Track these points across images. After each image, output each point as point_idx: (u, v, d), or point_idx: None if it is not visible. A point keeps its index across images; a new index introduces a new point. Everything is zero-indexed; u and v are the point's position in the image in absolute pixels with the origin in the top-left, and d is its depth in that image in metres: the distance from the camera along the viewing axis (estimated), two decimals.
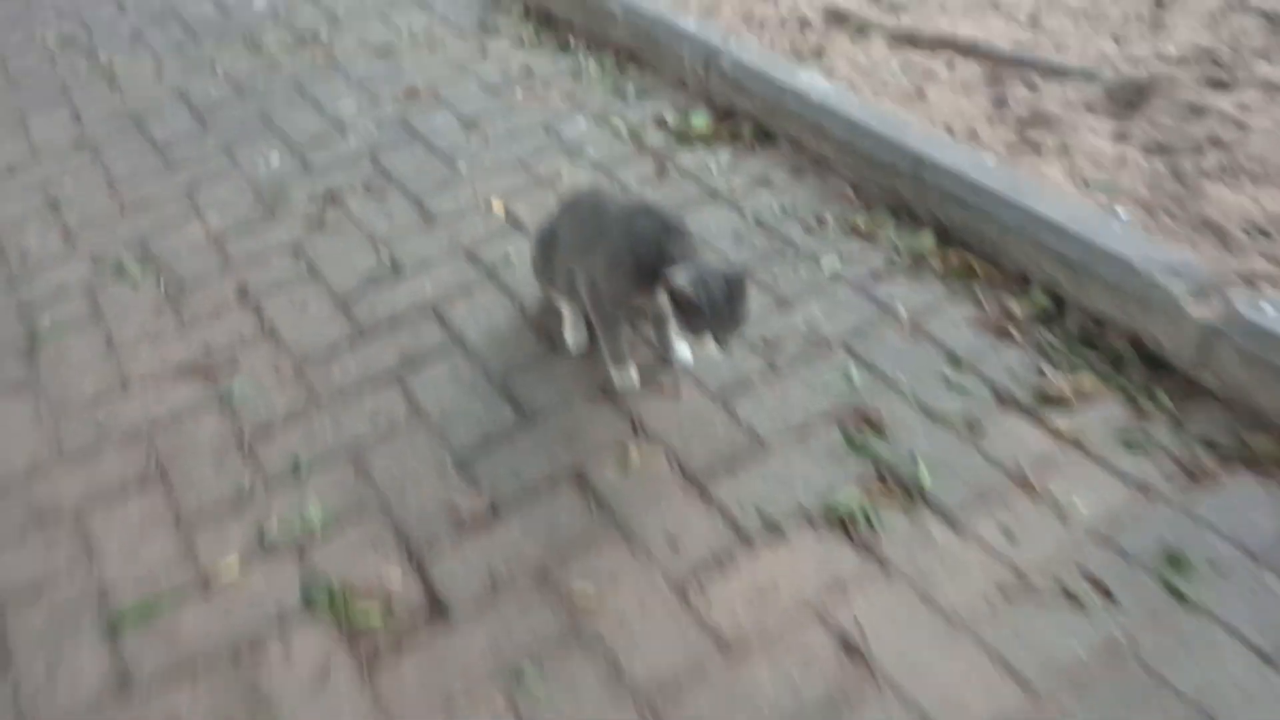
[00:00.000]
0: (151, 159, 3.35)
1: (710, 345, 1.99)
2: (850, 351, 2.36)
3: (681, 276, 1.92)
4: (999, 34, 3.30)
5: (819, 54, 3.36)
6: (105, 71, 3.97)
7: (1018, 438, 2.12)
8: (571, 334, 2.42)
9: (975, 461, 2.08)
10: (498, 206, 2.93)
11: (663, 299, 2.04)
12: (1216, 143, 2.69)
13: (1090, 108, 2.90)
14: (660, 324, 2.32)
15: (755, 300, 2.51)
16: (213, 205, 3.08)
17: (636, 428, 2.20)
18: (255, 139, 3.40)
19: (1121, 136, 2.78)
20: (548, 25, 4.00)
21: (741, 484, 2.06)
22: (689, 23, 3.51)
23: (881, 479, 2.06)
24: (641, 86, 3.49)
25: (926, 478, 2.04)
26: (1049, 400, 2.20)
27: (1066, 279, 2.41)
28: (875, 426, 2.17)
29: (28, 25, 4.46)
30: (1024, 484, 2.03)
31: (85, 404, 2.39)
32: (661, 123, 3.27)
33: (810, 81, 3.09)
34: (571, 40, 3.86)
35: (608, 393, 2.29)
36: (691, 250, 2.03)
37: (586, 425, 2.21)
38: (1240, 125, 2.72)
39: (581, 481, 2.09)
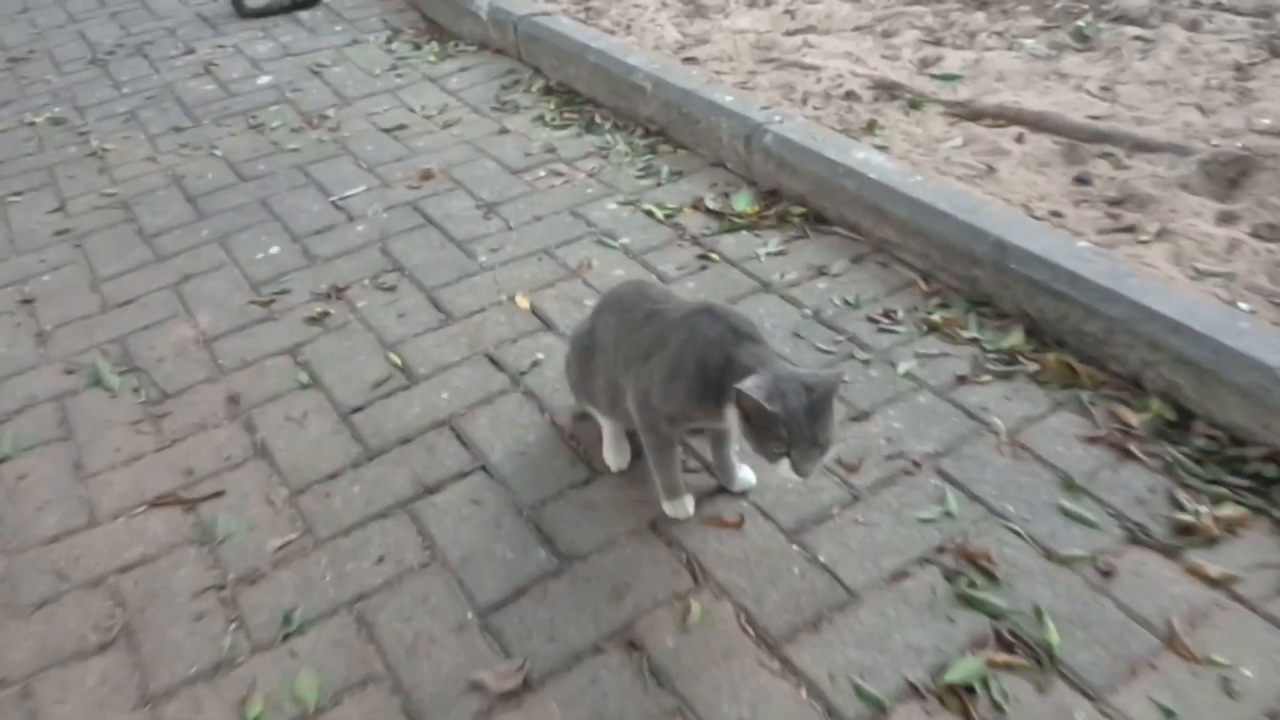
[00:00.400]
0: (139, 250, 3.05)
1: (788, 470, 1.63)
2: (943, 474, 2.00)
3: (755, 386, 1.59)
4: (1069, 106, 3.01)
5: (870, 129, 3.07)
6: (95, 155, 3.70)
7: (1158, 583, 1.75)
8: (613, 454, 2.07)
9: (1111, 614, 1.70)
10: (523, 302, 2.61)
11: (731, 416, 1.70)
12: None
13: (1186, 186, 2.59)
14: (720, 444, 1.98)
15: None
16: (204, 302, 2.76)
17: (697, 573, 1.83)
18: (254, 228, 3.10)
19: (1229, 219, 2.46)
20: (570, 103, 3.73)
21: (829, 647, 1.69)
22: (726, 96, 3.23)
23: (1000, 640, 1.68)
24: (675, 167, 3.20)
25: (1055, 636, 1.67)
26: (1189, 534, 1.83)
27: (1190, 385, 2.06)
28: (985, 570, 1.80)
29: (18, 107, 4.22)
30: (1174, 644, 1.65)
31: (44, 544, 2.04)
32: (700, 205, 2.97)
33: (866, 158, 2.79)
34: (597, 117, 3.59)
35: (659, 529, 1.93)
36: (766, 359, 1.69)
37: (636, 571, 1.85)
38: None
39: (632, 645, 1.72)
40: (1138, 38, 3.36)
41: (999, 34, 3.59)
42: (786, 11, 4.10)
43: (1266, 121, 2.78)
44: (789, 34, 3.87)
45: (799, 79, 3.46)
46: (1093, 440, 2.05)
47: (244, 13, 5.03)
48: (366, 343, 2.53)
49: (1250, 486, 1.90)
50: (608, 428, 2.08)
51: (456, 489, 2.07)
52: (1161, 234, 2.42)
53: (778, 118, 3.06)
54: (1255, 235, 2.40)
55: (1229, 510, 1.87)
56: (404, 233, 2.98)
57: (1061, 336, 2.30)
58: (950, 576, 1.79)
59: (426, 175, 3.28)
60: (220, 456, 2.22)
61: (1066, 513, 1.90)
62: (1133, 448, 2.01)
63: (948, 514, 1.91)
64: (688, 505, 1.94)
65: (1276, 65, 3.06)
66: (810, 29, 3.90)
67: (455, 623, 1.79)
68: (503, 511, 2.00)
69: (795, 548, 1.87)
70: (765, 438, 1.61)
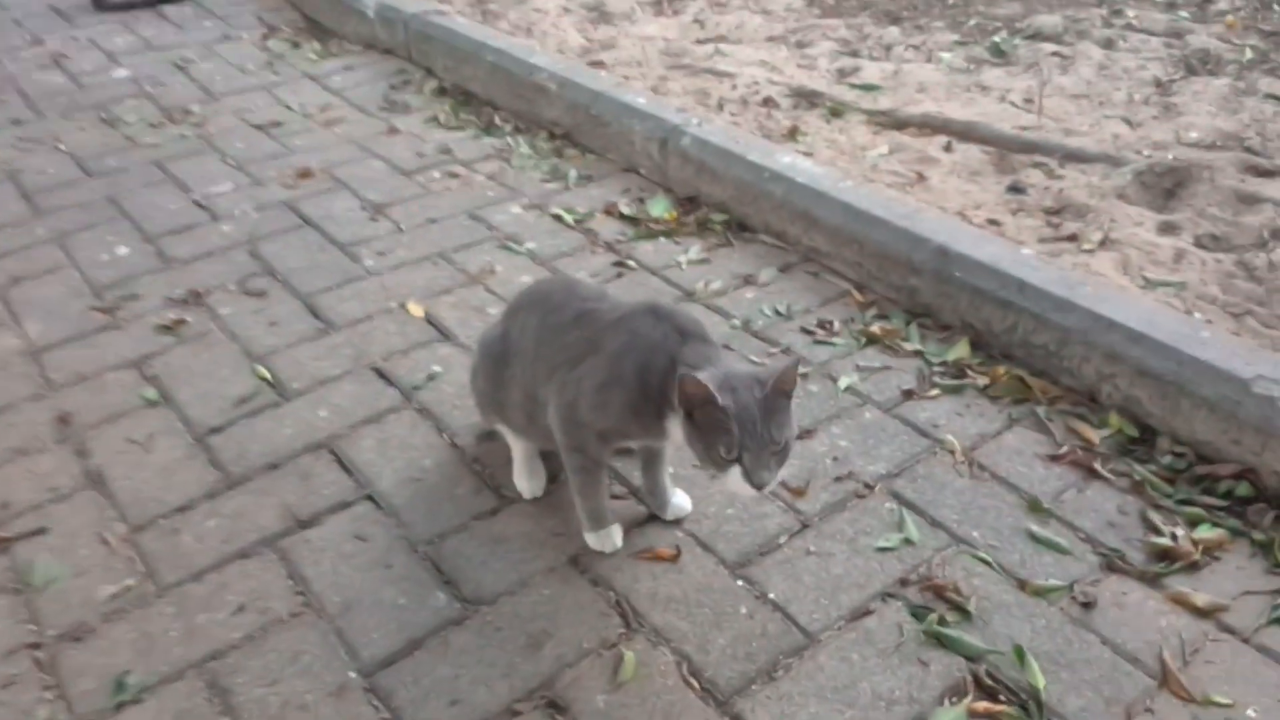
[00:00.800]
0: None
1: (739, 482, 1.38)
2: (899, 497, 1.78)
3: (704, 377, 1.34)
4: (995, 117, 2.90)
5: (792, 135, 2.89)
6: None
7: (1143, 615, 1.56)
8: (526, 478, 1.78)
9: (1097, 652, 1.50)
10: (416, 310, 2.30)
11: (674, 429, 1.45)
12: None
13: (1124, 196, 2.48)
14: (651, 465, 1.71)
15: None
16: (34, 309, 2.35)
17: (629, 616, 1.55)
18: (99, 227, 2.69)
19: (1170, 228, 2.36)
20: (466, 104, 3.45)
21: (787, 700, 1.43)
22: (638, 98, 3.01)
23: (980, 684, 1.45)
24: (584, 171, 2.94)
25: (1039, 679, 1.45)
26: (1168, 559, 1.66)
27: (1152, 399, 1.91)
28: (955, 604, 1.57)
29: None
30: (1169, 682, 1.46)
31: None
32: (613, 210, 2.72)
33: (793, 163, 2.60)
34: (497, 119, 3.31)
35: (583, 565, 1.65)
36: (717, 360, 1.44)
37: (556, 616, 1.55)
38: None
39: (555, 706, 1.42)
40: (1055, 53, 3.31)
41: (915, 47, 3.50)
42: (695, 21, 3.93)
43: (1195, 134, 2.71)
44: (699, 42, 3.69)
45: (713, 85, 3.27)
46: (1054, 458, 1.87)
47: (103, 6, 4.57)
48: (230, 354, 2.17)
49: (1225, 506, 1.75)
50: (519, 448, 1.79)
51: (336, 522, 1.74)
52: (1105, 243, 2.30)
53: (695, 120, 2.85)
54: (1199, 245, 2.30)
55: (1206, 532, 1.70)
56: (277, 234, 2.63)
57: (1009, 349, 2.13)
58: (917, 613, 1.56)
59: (304, 174, 2.94)
60: (43, 487, 1.83)
61: (1036, 538, 1.70)
62: (1097, 466, 1.84)
63: (908, 541, 1.69)
64: (615, 536, 1.66)
65: (1195, 82, 3.04)
66: (721, 38, 3.73)
67: (333, 685, 1.45)
68: (392, 548, 1.68)
69: (740, 583, 1.61)
70: (712, 440, 1.36)
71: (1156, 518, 1.73)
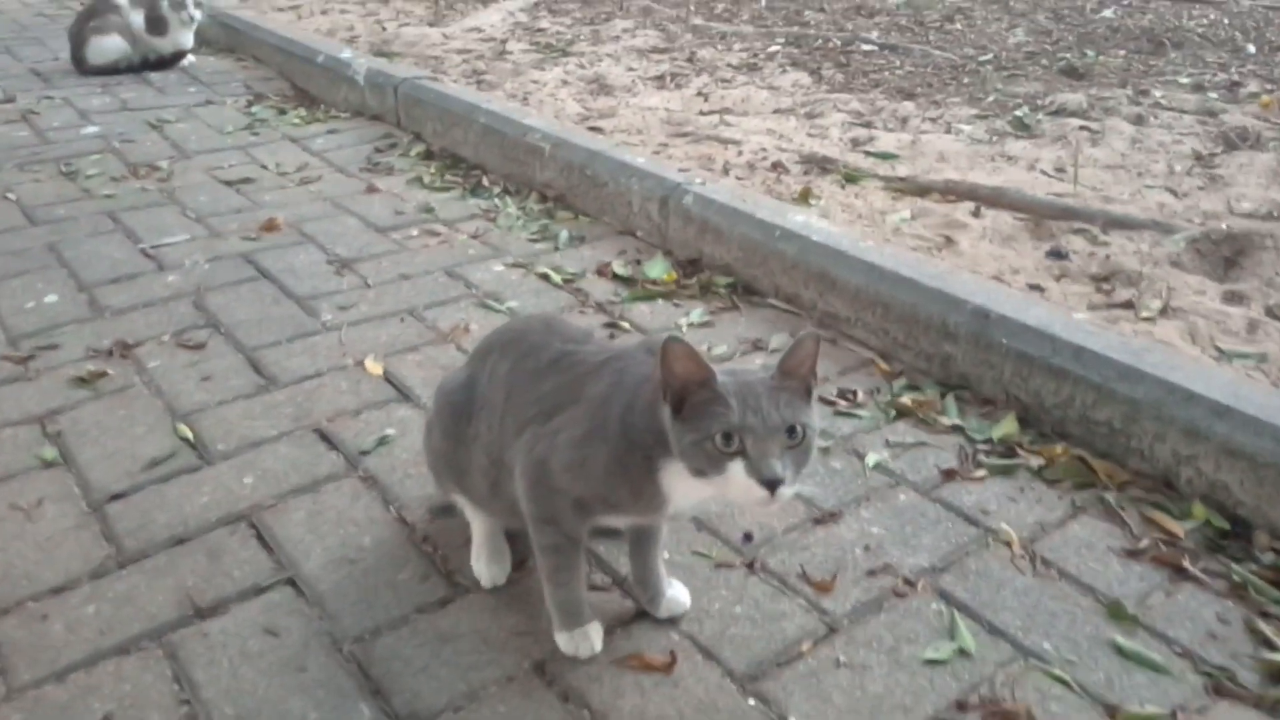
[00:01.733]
0: None
1: (744, 485, 1.06)
2: (947, 596, 1.44)
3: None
4: (1024, 185, 2.65)
5: (804, 199, 2.64)
6: None
7: None
8: (486, 562, 1.44)
9: None
10: (374, 367, 1.99)
11: (670, 483, 1.15)
12: None
13: (1178, 264, 2.21)
14: (642, 546, 1.37)
15: (783, 507, 1.60)
16: None
17: None
18: (31, 274, 2.40)
19: (1236, 298, 2.08)
20: (454, 167, 3.21)
21: None
22: (637, 158, 2.77)
23: None
24: (576, 233, 2.68)
25: None
26: None
27: (1243, 484, 1.59)
28: None
29: None
30: None
31: None
32: (606, 271, 2.44)
33: (807, 221, 2.33)
34: (485, 181, 3.07)
35: (551, 674, 1.29)
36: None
37: None
38: None
39: None
40: (1083, 128, 3.09)
41: (932, 120, 3.29)
42: (699, 94, 3.74)
43: (1247, 205, 2.46)
44: (703, 114, 3.49)
45: (717, 151, 3.04)
46: (1132, 554, 1.53)
47: (85, 70, 4.40)
48: (151, 411, 1.84)
49: None
50: (481, 525, 1.46)
51: (244, 612, 1.39)
52: (1166, 311, 2.01)
53: (699, 180, 2.60)
54: (1272, 316, 2.01)
55: None
56: (228, 285, 2.33)
57: (1064, 425, 1.81)
58: None
59: (269, 226, 2.67)
60: None
61: (1123, 652, 1.35)
62: (1186, 564, 1.50)
63: (963, 652, 1.34)
64: (594, 638, 1.31)
65: (1239, 156, 2.81)
66: (726, 110, 3.53)
67: None
68: (311, 646, 1.33)
69: (752, 703, 1.26)
70: (706, 427, 1.06)
71: (1267, 628, 1.39)
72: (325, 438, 1.77)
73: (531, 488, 1.25)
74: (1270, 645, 1.36)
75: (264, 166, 3.21)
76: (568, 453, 1.21)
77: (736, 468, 1.07)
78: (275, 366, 1.99)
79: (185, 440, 1.76)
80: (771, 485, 1.06)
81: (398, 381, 1.94)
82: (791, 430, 1.08)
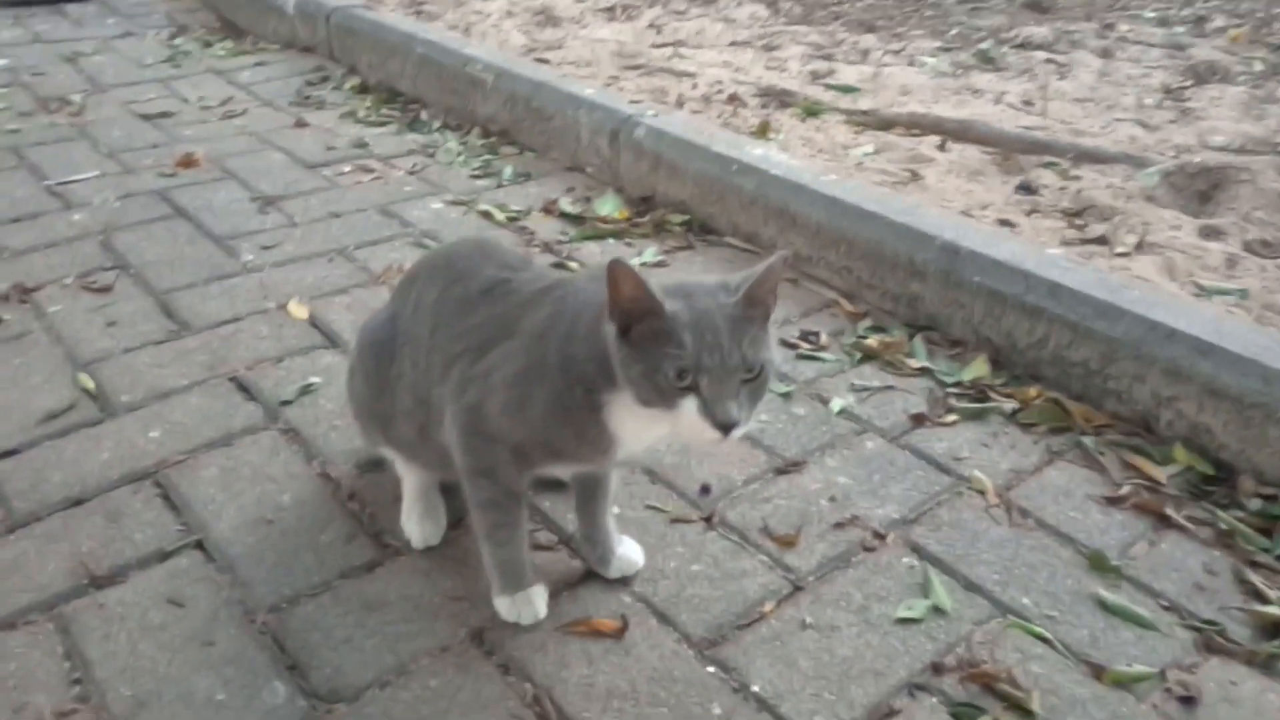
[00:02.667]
0: None
1: (697, 423, 0.96)
2: (919, 550, 1.34)
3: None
4: (991, 118, 2.54)
5: (763, 132, 2.50)
6: None
7: (1264, 714, 1.13)
8: (418, 521, 1.31)
9: None
10: (299, 311, 1.83)
11: (617, 419, 1.03)
12: None
13: (1152, 198, 2.11)
14: (590, 499, 1.25)
15: (743, 457, 1.49)
16: None
17: (551, 719, 1.08)
18: None
19: (1214, 233, 1.99)
20: (390, 101, 3.01)
21: None
22: (586, 89, 2.60)
23: None
24: (521, 169, 2.52)
25: None
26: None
27: (1228, 426, 1.50)
28: (1011, 700, 1.12)
29: None
30: None
31: None
32: (552, 208, 2.29)
33: (766, 154, 2.19)
34: (423, 115, 2.88)
35: (490, 643, 1.17)
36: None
37: (448, 719, 1.07)
38: None
39: None
40: (1049, 60, 2.98)
41: (894, 52, 3.15)
42: (652, 26, 3.56)
43: (1220, 138, 2.37)
44: (656, 46, 3.31)
45: (671, 84, 2.88)
46: (1112, 502, 1.44)
47: None
48: (49, 359, 1.67)
49: None
50: (412, 481, 1.32)
51: (146, 580, 1.24)
52: (1142, 246, 1.91)
53: (652, 111, 2.44)
54: (1250, 251, 1.93)
55: None
56: (139, 224, 2.14)
57: (1038, 367, 1.71)
58: (961, 714, 1.10)
59: (188, 161, 2.47)
60: None
61: (1107, 607, 1.26)
62: (1170, 511, 1.42)
63: (938, 610, 1.24)
64: (537, 602, 1.19)
65: (1209, 89, 2.72)
66: (680, 43, 3.35)
67: None
68: (220, 618, 1.19)
69: (711, 670, 1.14)
70: (656, 360, 0.95)
71: (1256, 578, 1.31)
72: (242, 387, 1.61)
73: (464, 436, 1.11)
74: (1260, 597, 1.28)
75: (185, 100, 2.99)
76: (503, 393, 1.08)
77: (689, 405, 0.96)
78: (189, 311, 1.82)
79: (86, 391, 1.59)
80: (726, 428, 0.95)
81: (324, 326, 1.79)
82: (749, 366, 0.97)
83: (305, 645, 1.15)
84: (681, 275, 1.09)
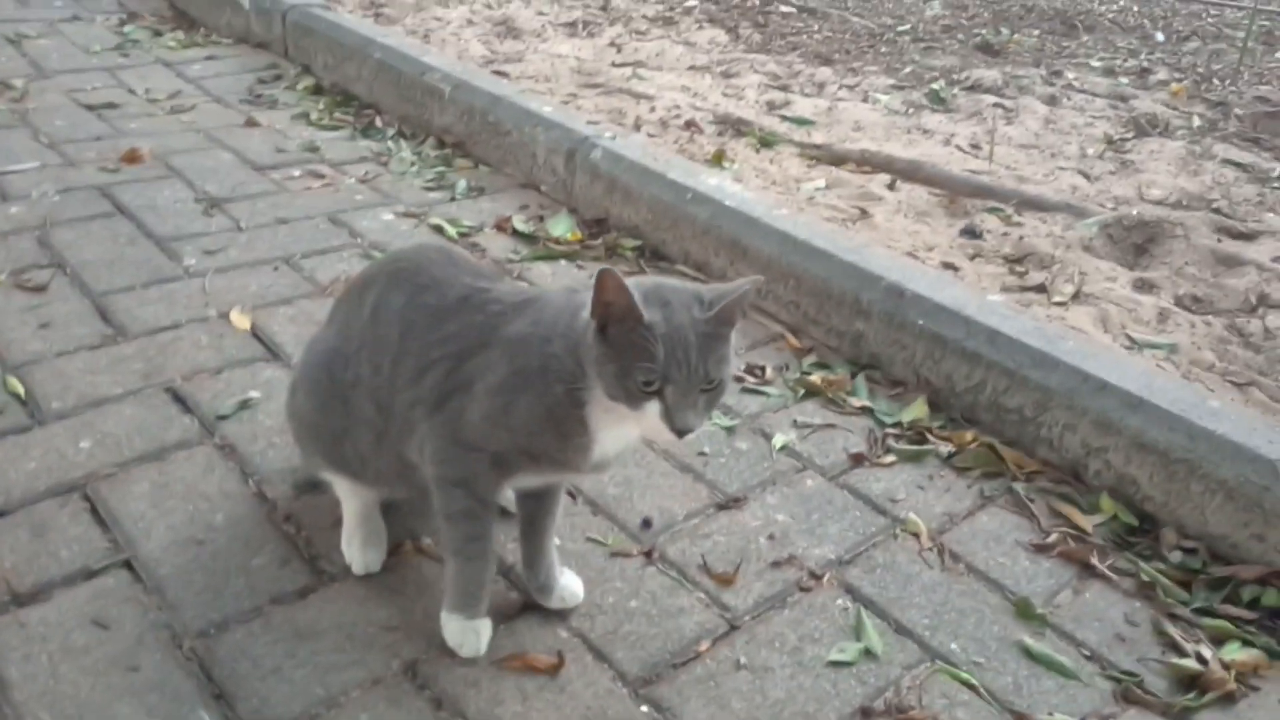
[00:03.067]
0: None
1: (656, 424, 1.04)
2: (853, 591, 1.36)
3: (631, 282, 1.03)
4: (940, 159, 2.59)
5: (718, 161, 2.52)
6: None
7: None
8: (360, 546, 1.29)
9: None
10: (241, 321, 1.80)
11: (598, 421, 1.09)
12: (1269, 301, 2.00)
13: (1089, 249, 2.18)
14: (536, 521, 1.25)
15: (685, 491, 1.50)
16: None
17: None
18: None
19: (1147, 286, 2.06)
20: (345, 105, 2.98)
21: None
22: (544, 106, 2.60)
23: None
24: (475, 183, 2.51)
25: None
26: (1196, 688, 1.27)
27: (1154, 479, 1.55)
28: None
29: None
30: None
31: None
32: (505, 226, 2.28)
33: (720, 184, 2.22)
34: (378, 122, 2.86)
35: (423, 676, 1.16)
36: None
37: None
38: None
39: None
40: (997, 104, 3.05)
41: (849, 87, 3.20)
42: (612, 44, 3.57)
43: (1157, 192, 2.45)
44: (616, 65, 3.33)
45: (629, 105, 2.89)
46: (1040, 549, 1.48)
47: None
48: None
49: (1254, 619, 1.38)
50: (354, 504, 1.31)
51: (70, 599, 1.21)
52: (1079, 296, 1.97)
53: (609, 133, 2.45)
54: (1182, 306, 1.99)
55: (1238, 653, 1.32)
56: (78, 221, 2.09)
57: (974, 412, 1.75)
58: None
59: (132, 157, 2.41)
60: None
61: (1031, 654, 1.29)
62: (1094, 561, 1.46)
63: (869, 654, 1.26)
64: (483, 635, 1.19)
65: (1149, 142, 2.80)
66: (639, 64, 3.37)
67: None
68: (145, 642, 1.16)
69: (645, 709, 1.15)
70: (629, 364, 1.02)
71: (1174, 631, 1.35)
72: (178, 398, 1.58)
73: (443, 445, 1.13)
74: (1178, 649, 1.33)
75: (132, 91, 2.92)
76: (486, 401, 1.10)
77: (653, 408, 1.04)
78: (125, 315, 1.77)
79: (15, 396, 1.54)
80: (683, 433, 1.04)
81: (266, 337, 1.76)
82: (710, 380, 1.04)
83: (233, 674, 1.13)
84: (658, 277, 1.12)
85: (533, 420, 1.10)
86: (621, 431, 1.12)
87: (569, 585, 1.27)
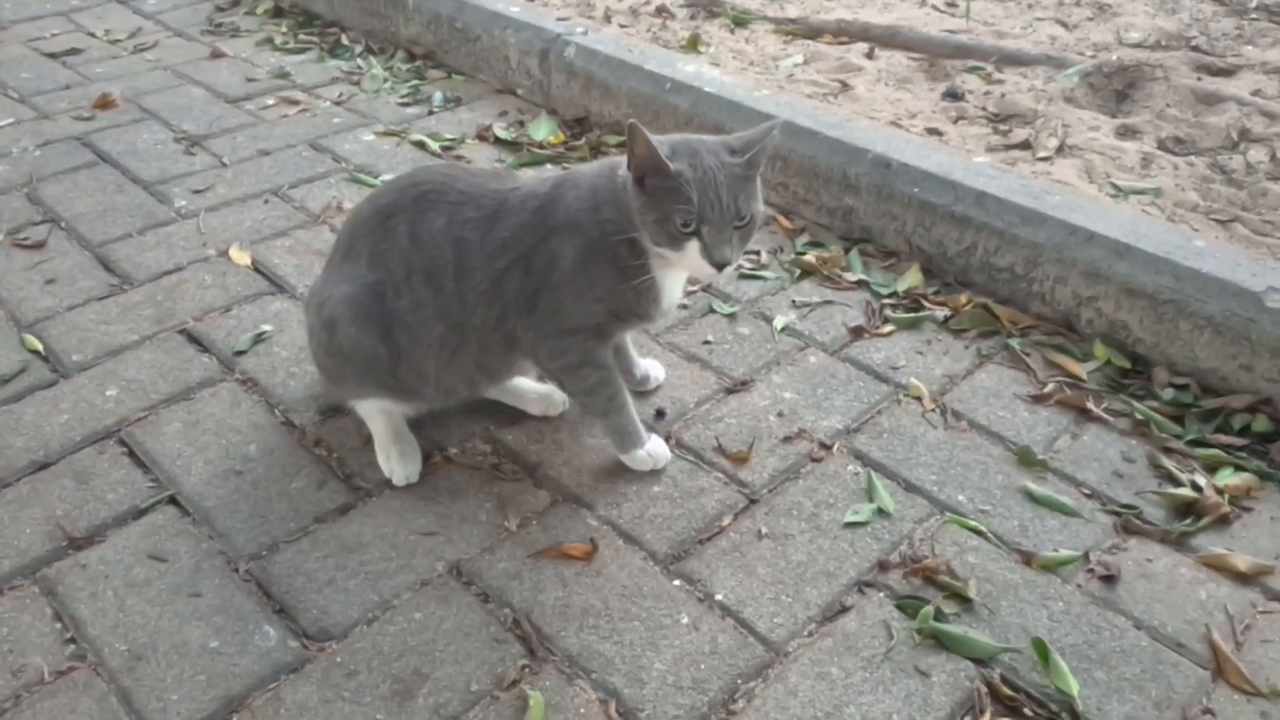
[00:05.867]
0: None
1: (698, 260, 1.19)
2: (862, 457, 1.43)
3: (658, 139, 1.17)
4: (917, 22, 2.57)
5: (693, 45, 2.50)
6: None
7: (1177, 586, 1.25)
8: (398, 458, 1.36)
9: (1132, 639, 1.18)
10: (241, 257, 1.82)
11: (654, 265, 1.24)
12: (1250, 135, 2.02)
13: (1071, 99, 2.18)
14: (619, 345, 1.45)
15: (694, 379, 1.55)
16: None
17: (532, 641, 1.15)
18: None
19: (1129, 132, 2.07)
20: (308, 25, 2.93)
21: None
22: (511, 6, 2.56)
23: (998, 696, 1.11)
24: (451, 94, 2.49)
25: (1071, 682, 1.12)
26: (1192, 514, 1.35)
27: (1144, 322, 1.60)
28: (951, 590, 1.23)
29: None
30: (1225, 672, 1.15)
31: None
32: (487, 135, 2.27)
33: (698, 71, 2.20)
34: (344, 39, 2.81)
35: (467, 574, 1.23)
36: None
37: (433, 649, 1.14)
38: (1269, 114, 2.07)
39: None
40: None
41: None
42: None
43: (1136, 35, 2.44)
44: None
45: None
46: (1038, 399, 1.54)
47: None
48: None
49: (1246, 445, 1.46)
50: (384, 424, 1.37)
51: (124, 538, 1.27)
52: (1063, 149, 1.99)
53: (580, 29, 2.42)
54: (1164, 149, 2.01)
55: (1231, 478, 1.40)
56: (63, 173, 2.09)
57: (968, 274, 1.80)
58: (906, 605, 1.21)
59: (104, 103, 2.39)
60: None
61: (1035, 498, 1.37)
62: (1090, 405, 1.52)
63: (881, 513, 1.34)
64: (662, 447, 1.39)
65: None
66: None
67: None
68: (204, 569, 1.23)
69: (677, 584, 1.23)
70: (668, 210, 1.16)
71: (1169, 463, 1.43)
72: (194, 339, 1.62)
73: (554, 341, 1.26)
74: (1173, 480, 1.40)
75: (91, 34, 2.86)
76: (569, 285, 1.23)
77: (693, 247, 1.17)
78: (128, 263, 1.80)
79: (35, 352, 1.58)
80: (721, 266, 1.17)
81: (269, 271, 1.79)
82: (742, 217, 1.17)
83: (290, 589, 1.20)
84: (686, 134, 1.24)
85: (612, 283, 1.23)
86: (675, 275, 1.27)
87: (651, 371, 1.52)
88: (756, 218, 1.20)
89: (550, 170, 2.14)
